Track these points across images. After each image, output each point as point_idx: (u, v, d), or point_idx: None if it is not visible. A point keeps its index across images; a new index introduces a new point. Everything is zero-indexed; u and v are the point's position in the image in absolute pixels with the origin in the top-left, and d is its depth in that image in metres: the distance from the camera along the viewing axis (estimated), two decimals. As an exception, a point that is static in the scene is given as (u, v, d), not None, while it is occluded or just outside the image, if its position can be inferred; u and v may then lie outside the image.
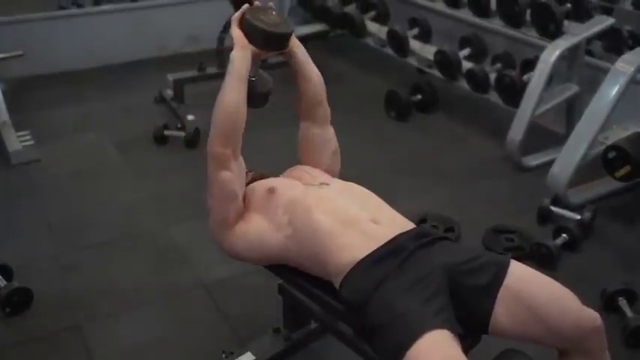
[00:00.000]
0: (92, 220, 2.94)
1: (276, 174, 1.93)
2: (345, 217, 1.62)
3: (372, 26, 4.52)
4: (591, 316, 1.48)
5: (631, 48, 3.30)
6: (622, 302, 2.32)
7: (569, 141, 2.98)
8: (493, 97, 3.68)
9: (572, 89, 3.45)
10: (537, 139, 3.42)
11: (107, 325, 2.31)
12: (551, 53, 3.22)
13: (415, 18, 4.39)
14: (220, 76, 1.74)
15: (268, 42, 1.68)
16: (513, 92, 3.45)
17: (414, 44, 4.18)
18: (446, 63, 3.88)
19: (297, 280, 1.73)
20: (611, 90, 2.89)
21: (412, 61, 4.23)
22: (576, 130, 2.98)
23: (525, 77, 3.43)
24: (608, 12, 3.62)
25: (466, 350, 1.42)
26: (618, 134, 2.87)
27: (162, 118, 3.87)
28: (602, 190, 3.09)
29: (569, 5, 3.49)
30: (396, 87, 4.11)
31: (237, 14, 1.69)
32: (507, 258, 1.55)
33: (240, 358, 2.04)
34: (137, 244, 2.79)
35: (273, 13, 1.71)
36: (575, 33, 3.32)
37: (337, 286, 1.57)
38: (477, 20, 4.01)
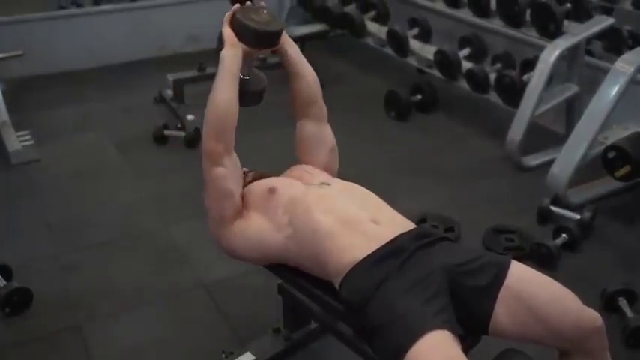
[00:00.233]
0: (92, 220, 2.94)
1: (276, 174, 1.92)
2: (346, 217, 1.62)
3: (372, 26, 4.52)
4: (592, 316, 1.48)
5: (631, 48, 3.30)
6: (622, 302, 2.32)
7: (569, 141, 2.98)
8: (493, 97, 3.68)
9: (572, 89, 3.45)
10: (537, 139, 3.42)
11: (107, 325, 2.31)
12: (551, 53, 3.22)
13: (415, 18, 4.38)
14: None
15: (259, 40, 1.69)
16: (513, 92, 3.45)
17: (414, 44, 4.18)
18: (446, 63, 3.88)
19: (297, 280, 1.73)
20: (611, 90, 2.89)
21: (412, 61, 4.23)
22: (576, 130, 2.98)
23: (525, 77, 3.43)
24: (608, 12, 3.62)
25: (466, 350, 1.41)
26: (618, 134, 2.87)
27: (162, 118, 3.87)
28: (602, 190, 3.09)
29: (569, 5, 3.49)
30: (396, 87, 4.11)
31: (228, 14, 1.70)
32: (508, 258, 1.55)
33: (240, 358, 2.04)
34: (137, 244, 2.79)
35: (265, 12, 1.72)
36: (575, 33, 3.32)
37: (337, 286, 1.57)
38: (477, 20, 4.01)
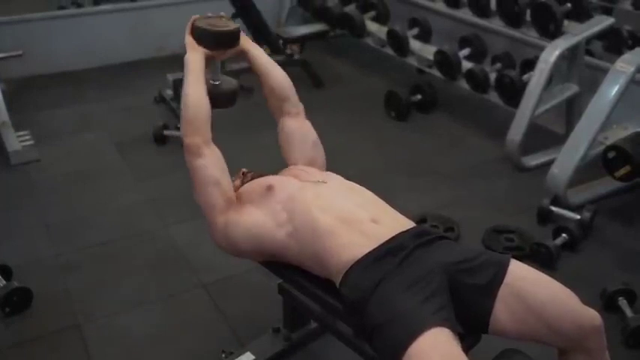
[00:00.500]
0: (92, 220, 2.94)
1: (274, 174, 1.92)
2: (344, 215, 1.62)
3: (372, 26, 4.52)
4: (591, 315, 1.48)
5: (631, 48, 3.30)
6: (622, 302, 2.32)
7: (568, 141, 2.98)
8: (493, 97, 3.68)
9: (572, 89, 3.45)
10: (537, 139, 3.42)
11: (107, 325, 2.31)
12: (551, 53, 3.22)
13: (415, 18, 4.39)
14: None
15: (217, 41, 1.82)
16: (513, 92, 3.46)
17: (414, 44, 4.18)
18: (446, 63, 3.88)
19: (298, 280, 1.73)
20: (611, 90, 2.89)
21: (412, 61, 4.23)
22: (576, 130, 2.98)
23: (525, 77, 3.43)
24: (608, 12, 3.62)
25: (466, 350, 1.41)
26: (618, 134, 2.87)
27: (162, 118, 3.87)
28: (602, 190, 3.09)
29: (569, 5, 3.49)
30: (395, 87, 4.11)
31: (189, 23, 1.83)
32: (507, 257, 1.55)
33: (240, 358, 2.05)
34: (137, 244, 2.79)
35: (223, 18, 1.86)
36: (575, 33, 3.32)
37: (338, 284, 1.57)
38: (477, 20, 4.01)
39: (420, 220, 2.79)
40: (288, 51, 4.37)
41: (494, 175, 3.37)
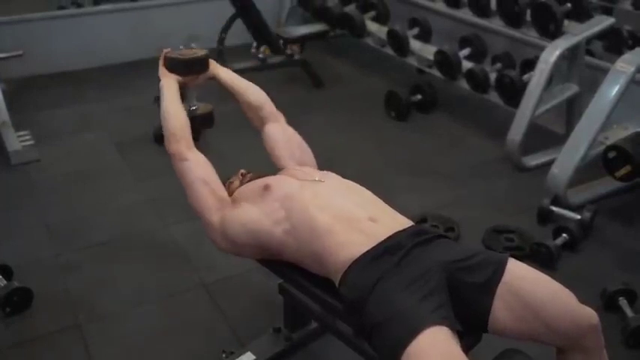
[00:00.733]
0: (92, 220, 2.94)
1: (274, 175, 1.93)
2: (342, 214, 1.63)
3: (372, 26, 4.52)
4: (588, 314, 1.49)
5: (631, 48, 3.30)
6: (622, 302, 2.32)
7: (569, 141, 2.98)
8: (493, 97, 3.68)
9: (572, 89, 3.45)
10: (537, 139, 3.42)
11: (107, 325, 2.31)
12: (551, 53, 3.22)
13: (415, 18, 4.39)
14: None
15: (186, 67, 1.99)
16: (513, 92, 3.46)
17: (414, 44, 4.18)
18: (446, 63, 3.88)
19: (298, 279, 1.73)
20: (611, 90, 2.89)
21: (412, 61, 4.23)
22: (576, 130, 2.98)
23: (525, 77, 3.43)
24: (608, 12, 3.62)
25: (466, 350, 1.42)
26: (618, 134, 2.87)
27: (162, 118, 3.86)
28: (602, 190, 3.09)
29: (569, 5, 3.49)
30: (395, 87, 4.11)
31: (162, 55, 2.01)
32: (505, 256, 1.55)
33: (240, 357, 2.05)
34: (137, 244, 2.79)
35: (193, 50, 2.05)
36: (575, 33, 3.32)
37: (337, 283, 1.57)
38: (477, 20, 4.01)
39: (421, 220, 2.79)
40: (288, 51, 4.37)
41: (494, 175, 3.37)
